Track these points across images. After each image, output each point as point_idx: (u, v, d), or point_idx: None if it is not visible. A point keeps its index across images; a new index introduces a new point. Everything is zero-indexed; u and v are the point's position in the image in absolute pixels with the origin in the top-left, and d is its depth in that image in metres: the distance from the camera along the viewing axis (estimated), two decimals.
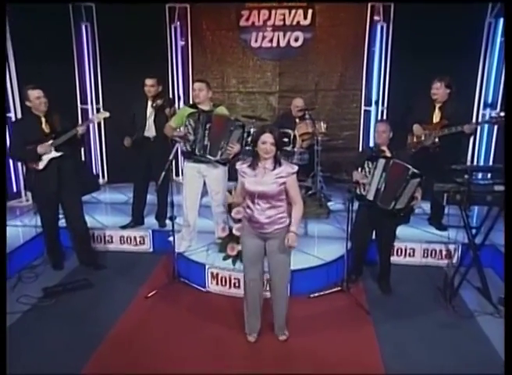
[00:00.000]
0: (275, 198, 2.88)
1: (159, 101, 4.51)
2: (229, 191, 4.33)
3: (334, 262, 4.11)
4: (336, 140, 6.47)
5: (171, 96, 6.41)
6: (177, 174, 6.78)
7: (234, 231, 3.88)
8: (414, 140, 4.67)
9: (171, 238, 4.03)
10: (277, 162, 2.86)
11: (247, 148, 4.60)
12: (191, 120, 3.80)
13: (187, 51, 6.54)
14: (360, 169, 3.80)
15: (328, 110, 6.50)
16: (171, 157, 3.75)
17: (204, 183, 4.06)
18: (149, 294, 3.84)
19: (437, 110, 4.56)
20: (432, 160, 4.36)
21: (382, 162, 3.69)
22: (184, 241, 4.23)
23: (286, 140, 5.15)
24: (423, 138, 4.58)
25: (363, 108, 6.44)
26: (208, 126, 3.76)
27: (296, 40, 6.36)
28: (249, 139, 4.72)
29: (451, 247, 4.47)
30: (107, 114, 4.33)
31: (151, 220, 5.04)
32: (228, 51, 6.49)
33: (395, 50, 6.03)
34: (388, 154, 3.83)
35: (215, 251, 4.16)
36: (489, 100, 5.87)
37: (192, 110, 3.91)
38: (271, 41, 6.38)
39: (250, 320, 3.23)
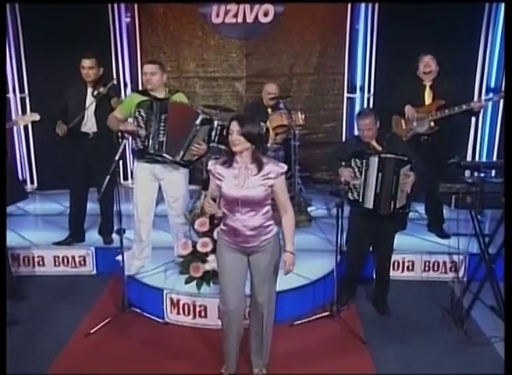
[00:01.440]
0: (261, 204, 2.79)
1: (102, 89, 4.32)
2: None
3: (321, 280, 4.02)
4: (315, 133, 6.46)
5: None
6: (125, 177, 6.60)
7: (199, 247, 3.76)
8: (403, 126, 4.58)
9: (119, 257, 3.91)
10: (257, 161, 2.75)
11: (213, 144, 4.39)
12: (142, 110, 3.66)
13: (134, 29, 6.38)
14: (345, 165, 3.72)
15: (305, 98, 6.46)
16: (117, 157, 3.56)
17: (160, 189, 3.93)
18: (92, 330, 3.68)
19: (428, 89, 4.53)
20: (424, 152, 4.20)
21: (374, 161, 3.59)
22: (136, 261, 4.07)
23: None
24: (415, 124, 4.51)
25: (346, 95, 6.44)
26: (163, 117, 3.62)
27: (266, 15, 6.27)
28: (212, 134, 4.49)
29: (457, 258, 4.40)
30: (36, 117, 4.16)
31: (93, 235, 4.90)
32: (184, 29, 6.37)
33: (382, 27, 6.02)
34: (378, 147, 3.72)
35: (174, 272, 4.02)
36: (492, 84, 5.95)
37: (143, 97, 3.74)
38: (235, 15, 6.26)
39: (230, 359, 3.10)
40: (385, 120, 4.21)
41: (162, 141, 3.63)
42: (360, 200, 3.66)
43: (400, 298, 4.12)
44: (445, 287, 4.34)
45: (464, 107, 4.34)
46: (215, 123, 4.81)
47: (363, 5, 6.12)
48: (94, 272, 4.68)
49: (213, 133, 4.50)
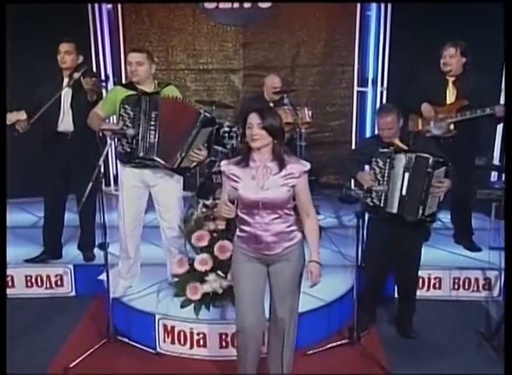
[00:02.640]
0: (283, 207, 2.79)
1: (75, 75, 4.14)
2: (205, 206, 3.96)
3: (336, 302, 3.92)
4: (322, 132, 6.43)
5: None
6: (106, 183, 6.48)
7: (197, 265, 3.62)
8: (419, 126, 4.49)
9: (102, 276, 3.83)
10: (279, 158, 2.75)
11: (218, 148, 4.27)
12: (128, 107, 3.53)
13: (116, 14, 6.29)
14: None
15: (310, 93, 6.43)
16: (101, 161, 3.42)
17: (150, 196, 3.83)
18: (71, 364, 3.53)
19: (451, 86, 4.43)
20: (446, 154, 4.07)
21: (401, 158, 3.49)
22: (122, 281, 3.95)
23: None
24: (432, 124, 4.42)
25: (356, 89, 6.41)
26: (153, 114, 3.51)
27: None
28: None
29: (490, 274, 4.33)
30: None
31: (71, 251, 4.76)
32: (173, 14, 6.33)
33: (397, 12, 5.96)
34: (403, 146, 3.61)
35: (168, 294, 3.89)
36: None
37: (128, 92, 3.62)
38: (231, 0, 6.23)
39: None
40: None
41: (153, 143, 3.51)
42: (382, 204, 3.54)
43: (426, 320, 3.99)
44: (478, 307, 4.24)
45: (488, 110, 4.21)
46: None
47: None
48: (73, 293, 4.56)
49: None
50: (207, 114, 3.59)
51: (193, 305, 3.66)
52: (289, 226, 2.82)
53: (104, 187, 5.37)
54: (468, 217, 4.69)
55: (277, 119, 2.74)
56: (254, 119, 2.69)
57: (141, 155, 3.52)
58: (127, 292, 3.91)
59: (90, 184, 3.35)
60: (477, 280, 4.36)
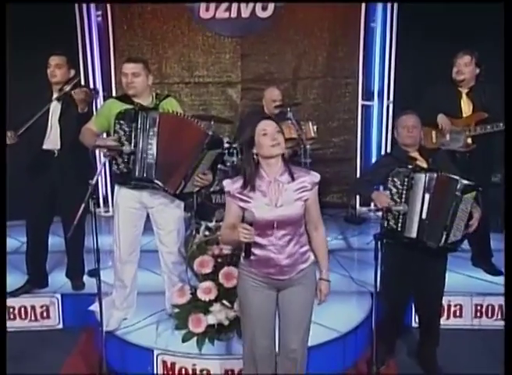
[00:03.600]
0: (298, 225, 2.72)
1: (67, 87, 4.02)
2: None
3: (352, 333, 3.79)
4: (325, 148, 6.36)
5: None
6: (97, 204, 6.29)
7: (200, 294, 3.46)
8: (434, 139, 4.39)
9: (94, 307, 3.76)
10: (289, 170, 2.68)
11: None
12: (123, 123, 3.42)
13: (106, 25, 6.19)
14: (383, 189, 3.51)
15: (312, 106, 6.34)
16: (94, 180, 3.32)
17: (147, 218, 3.71)
18: None
19: (465, 98, 4.35)
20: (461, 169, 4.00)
21: (420, 177, 3.34)
22: (116, 312, 3.78)
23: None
24: (448, 137, 4.32)
25: (360, 102, 6.32)
26: (151, 132, 3.39)
27: (265, 8, 6.17)
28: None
29: None
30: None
31: (59, 279, 4.58)
32: (167, 25, 6.23)
33: (403, 21, 5.93)
34: (422, 163, 3.50)
35: (168, 326, 3.73)
36: None
37: (123, 106, 3.51)
38: (228, 9, 6.15)
39: None
40: None
41: (152, 163, 3.40)
42: (400, 228, 3.38)
43: (448, 352, 3.79)
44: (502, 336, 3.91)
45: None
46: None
47: None
48: (61, 326, 4.39)
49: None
50: (214, 135, 3.49)
51: (195, 338, 3.53)
52: (302, 247, 2.75)
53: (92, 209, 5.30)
54: (487, 238, 4.56)
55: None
56: (269, 125, 2.61)
57: (138, 175, 3.40)
58: (122, 324, 3.76)
59: (83, 205, 3.25)
60: (501, 307, 4.18)
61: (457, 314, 4.23)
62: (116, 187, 3.65)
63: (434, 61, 5.48)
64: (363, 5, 6.03)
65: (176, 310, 3.61)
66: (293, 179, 2.65)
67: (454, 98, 4.32)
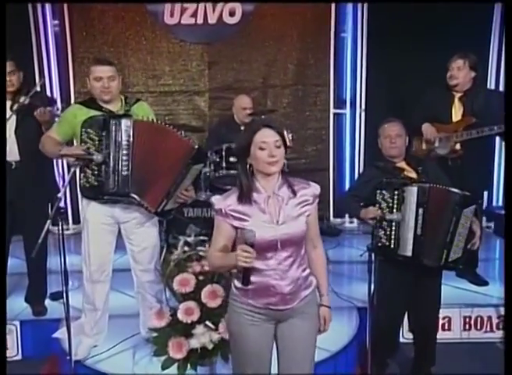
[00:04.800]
0: (300, 245, 2.43)
1: (23, 99, 3.81)
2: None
3: (342, 352, 3.68)
4: (296, 158, 6.17)
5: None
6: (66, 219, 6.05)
7: (180, 315, 3.22)
8: (423, 146, 4.35)
9: (59, 333, 3.64)
10: (287, 182, 2.40)
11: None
12: (91, 131, 3.20)
13: (63, 30, 5.93)
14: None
15: (283, 115, 6.21)
16: (61, 193, 3.11)
17: (119, 233, 3.53)
18: None
19: (457, 102, 4.29)
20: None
21: (412, 191, 3.16)
22: (86, 338, 3.57)
23: (235, 159, 4.73)
24: (436, 144, 4.27)
25: (332, 111, 6.25)
26: (125, 141, 3.19)
27: (232, 14, 6.00)
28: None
29: (504, 310, 3.99)
30: None
31: (17, 304, 4.31)
32: (129, 31, 5.98)
33: (374, 28, 5.93)
34: (411, 173, 3.36)
35: (145, 353, 3.51)
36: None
37: (90, 112, 3.30)
38: (194, 15, 5.95)
39: None
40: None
41: (126, 176, 3.18)
42: (392, 246, 3.21)
43: (440, 368, 3.65)
44: (493, 349, 3.98)
45: (496, 129, 4.04)
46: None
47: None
48: (19, 357, 4.09)
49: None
50: (200, 148, 3.30)
51: (176, 365, 3.29)
52: (304, 270, 2.46)
53: (51, 226, 5.03)
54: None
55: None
56: (268, 136, 2.28)
57: (112, 189, 3.19)
58: (92, 352, 3.54)
59: (49, 222, 3.00)
60: (490, 318, 4.13)
61: (446, 327, 4.13)
62: (84, 202, 3.43)
63: (408, 69, 5.52)
64: (332, 12, 6.00)
65: (154, 334, 3.38)
66: (294, 193, 2.39)
67: (446, 102, 4.29)
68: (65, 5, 5.82)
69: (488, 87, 5.83)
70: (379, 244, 3.23)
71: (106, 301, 3.57)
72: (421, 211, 3.14)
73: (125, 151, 3.17)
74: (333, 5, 5.97)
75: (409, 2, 5.40)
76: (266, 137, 2.28)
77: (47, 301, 4.19)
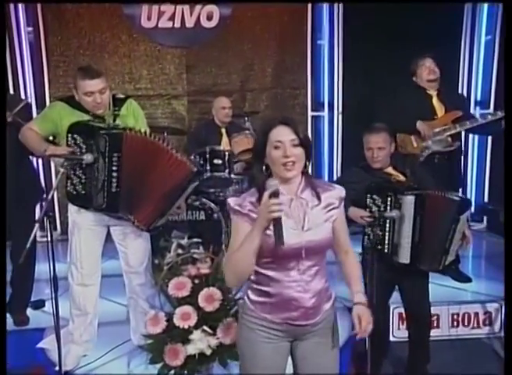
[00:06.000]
0: (325, 253, 2.19)
1: (7, 115, 3.59)
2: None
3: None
4: None
5: None
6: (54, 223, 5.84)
7: (177, 321, 3.04)
8: (414, 144, 4.29)
9: (44, 343, 3.52)
10: (311, 185, 2.14)
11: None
12: (78, 138, 3.01)
13: (38, 36, 5.74)
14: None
15: (262, 119, 5.99)
16: (50, 195, 2.98)
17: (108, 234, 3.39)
18: None
19: (435, 99, 4.31)
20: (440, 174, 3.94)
21: (409, 200, 3.04)
22: (74, 346, 3.38)
23: (219, 162, 4.67)
24: (429, 142, 4.23)
25: (310, 113, 6.20)
26: (115, 154, 2.99)
27: (210, 18, 5.92)
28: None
29: (490, 307, 4.07)
30: None
31: None
32: (106, 34, 5.85)
33: (349, 32, 5.98)
34: (399, 177, 3.25)
35: (140, 361, 3.32)
36: (478, 97, 6.02)
37: (75, 112, 3.11)
38: (172, 18, 5.87)
39: None
40: None
41: (116, 193, 3.00)
42: (386, 250, 3.11)
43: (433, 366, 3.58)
44: (482, 346, 3.96)
45: (490, 117, 4.06)
46: None
47: (325, 6, 6.04)
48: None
49: None
50: (198, 169, 3.21)
51: (173, 372, 3.11)
52: (326, 281, 2.22)
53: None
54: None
55: (305, 130, 2.22)
56: (284, 134, 2.04)
57: (100, 205, 3.04)
58: (80, 363, 3.36)
59: (37, 226, 2.81)
60: (477, 314, 4.10)
61: (435, 325, 4.01)
62: (70, 205, 3.25)
63: (383, 71, 5.54)
64: (309, 15, 5.98)
65: (149, 341, 3.19)
66: (318, 196, 2.14)
67: (426, 101, 4.28)
68: (39, 8, 5.65)
69: (460, 85, 6.03)
70: (370, 246, 3.10)
71: (96, 305, 3.42)
72: (418, 219, 3.04)
73: (114, 167, 2.99)
74: (310, 8, 5.97)
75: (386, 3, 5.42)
76: (281, 135, 2.05)
77: (29, 311, 3.98)
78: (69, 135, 2.98)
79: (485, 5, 5.83)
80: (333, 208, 2.14)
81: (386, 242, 3.09)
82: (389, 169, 3.24)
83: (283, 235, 1.89)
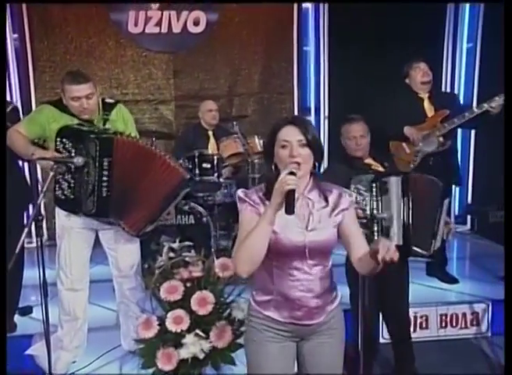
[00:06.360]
0: (329, 253, 2.19)
1: None
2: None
3: None
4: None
5: None
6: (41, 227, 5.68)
7: (169, 325, 2.97)
8: (407, 150, 4.27)
9: (33, 350, 3.42)
10: (318, 186, 2.15)
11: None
12: (67, 142, 2.98)
13: (23, 39, 5.67)
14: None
15: (249, 123, 6.12)
16: (39, 200, 2.84)
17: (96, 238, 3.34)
18: None
19: (427, 102, 4.29)
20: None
21: (395, 181, 3.03)
22: (64, 352, 3.31)
23: (207, 166, 4.64)
24: (420, 146, 4.22)
25: None
26: (106, 160, 2.96)
27: (197, 23, 5.90)
28: None
29: (477, 307, 4.08)
30: None
31: None
32: (92, 39, 5.80)
33: (335, 38, 5.98)
34: (378, 167, 3.28)
35: (132, 366, 3.28)
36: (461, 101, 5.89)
37: (63, 116, 3.06)
38: (159, 24, 5.84)
39: None
40: (379, 148, 3.78)
41: (106, 198, 2.96)
42: (376, 237, 3.04)
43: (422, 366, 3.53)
44: (470, 346, 3.95)
45: (477, 111, 3.99)
46: None
47: (311, 9, 6.05)
48: None
49: None
50: (190, 176, 3.25)
51: None
52: (332, 282, 2.23)
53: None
54: (442, 246, 4.43)
55: (316, 130, 2.14)
56: (291, 134, 2.03)
57: (89, 211, 2.99)
58: (70, 369, 3.30)
59: (26, 230, 2.73)
60: (464, 315, 4.10)
61: (423, 326, 4.06)
62: (57, 209, 3.19)
63: (368, 75, 5.53)
64: (295, 19, 5.99)
65: (141, 346, 3.11)
66: (325, 198, 2.13)
67: (417, 104, 4.26)
68: (25, 13, 5.57)
69: (443, 86, 6.06)
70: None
71: (85, 310, 3.36)
72: (405, 200, 3.01)
73: (105, 172, 2.95)
74: (295, 14, 5.97)
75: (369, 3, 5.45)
76: (289, 135, 2.04)
77: (17, 318, 3.87)
78: (58, 139, 2.94)
79: (467, 6, 5.88)
80: (342, 210, 2.13)
81: (375, 230, 3.04)
82: (369, 160, 3.26)
83: (294, 205, 1.87)
